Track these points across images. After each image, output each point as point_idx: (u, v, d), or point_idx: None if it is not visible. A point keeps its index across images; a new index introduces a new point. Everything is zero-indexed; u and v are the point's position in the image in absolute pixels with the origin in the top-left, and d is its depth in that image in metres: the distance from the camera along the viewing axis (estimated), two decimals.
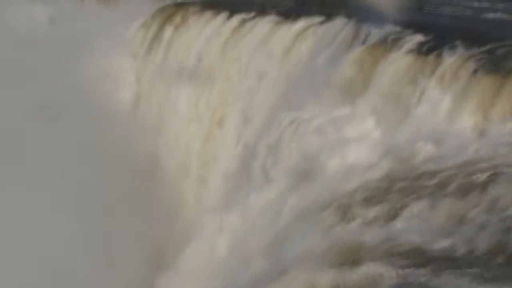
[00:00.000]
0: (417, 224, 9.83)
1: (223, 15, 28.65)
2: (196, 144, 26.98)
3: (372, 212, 10.83)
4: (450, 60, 14.01)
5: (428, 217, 9.86)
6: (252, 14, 26.77)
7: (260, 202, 16.04)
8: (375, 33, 18.08)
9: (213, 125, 26.30)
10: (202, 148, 26.68)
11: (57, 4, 52.24)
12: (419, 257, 8.72)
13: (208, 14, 29.86)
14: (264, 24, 24.99)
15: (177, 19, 31.89)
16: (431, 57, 14.60)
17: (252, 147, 20.29)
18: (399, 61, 15.43)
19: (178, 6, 34.03)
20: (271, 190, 16.21)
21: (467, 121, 12.50)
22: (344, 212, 11.49)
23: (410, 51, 15.60)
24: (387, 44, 16.57)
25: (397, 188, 11.30)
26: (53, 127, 26.45)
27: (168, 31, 31.67)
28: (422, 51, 15.28)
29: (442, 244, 8.92)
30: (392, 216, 10.33)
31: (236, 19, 27.44)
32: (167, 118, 29.19)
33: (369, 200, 11.36)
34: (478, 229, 8.91)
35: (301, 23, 23.04)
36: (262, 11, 26.54)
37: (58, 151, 25.31)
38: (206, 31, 28.66)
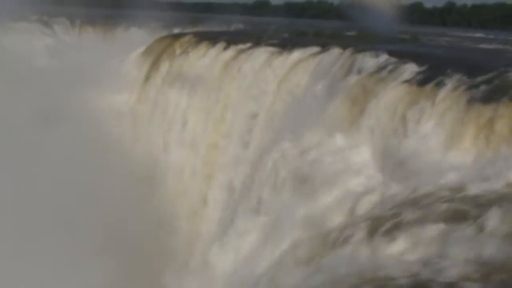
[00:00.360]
0: None
1: (219, 46, 28.90)
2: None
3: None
4: (445, 90, 14.05)
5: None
6: (248, 44, 27.05)
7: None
8: (370, 63, 18.20)
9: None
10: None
11: (55, 35, 52.82)
12: None
13: (204, 45, 30.10)
14: (260, 54, 25.18)
15: (174, 49, 32.16)
16: (426, 87, 14.64)
17: (247, 178, 20.29)
18: (394, 91, 15.46)
19: (175, 37, 34.37)
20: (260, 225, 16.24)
21: (462, 151, 12.48)
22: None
23: (405, 81, 15.66)
24: (382, 74, 16.65)
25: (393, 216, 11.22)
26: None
27: (165, 62, 31.88)
28: (417, 81, 15.35)
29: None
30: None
31: (232, 49, 27.69)
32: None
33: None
34: None
35: (296, 54, 23.24)
36: (258, 42, 26.84)
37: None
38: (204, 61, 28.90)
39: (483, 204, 10.17)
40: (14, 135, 27.43)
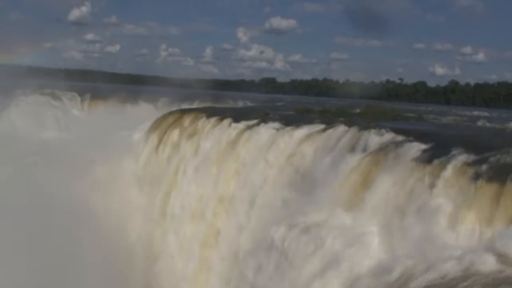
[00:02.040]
0: None
1: (226, 122, 29.25)
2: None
3: None
4: (450, 168, 14.11)
5: None
6: (255, 121, 27.39)
7: None
8: (375, 140, 18.36)
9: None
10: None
11: (64, 108, 53.79)
12: None
13: (211, 120, 30.47)
14: (266, 131, 25.44)
15: (181, 124, 32.56)
16: (432, 165, 14.71)
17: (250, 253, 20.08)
18: (399, 169, 15.53)
19: (183, 112, 34.89)
20: None
21: (468, 228, 12.39)
22: None
23: (411, 159, 15.75)
24: (387, 152, 16.76)
25: None
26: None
27: (172, 137, 32.25)
28: (422, 159, 15.43)
29: None
30: None
31: (239, 125, 27.99)
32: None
33: None
34: None
35: (302, 131, 23.47)
36: (264, 119, 27.20)
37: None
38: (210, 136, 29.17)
39: (491, 283, 9.99)
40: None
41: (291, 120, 25.90)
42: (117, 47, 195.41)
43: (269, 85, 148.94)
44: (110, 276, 25.06)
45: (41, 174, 30.78)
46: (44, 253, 23.73)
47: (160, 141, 33.12)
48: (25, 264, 23.20)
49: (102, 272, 24.48)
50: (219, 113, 31.22)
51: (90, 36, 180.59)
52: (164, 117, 35.57)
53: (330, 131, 21.91)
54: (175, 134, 32.37)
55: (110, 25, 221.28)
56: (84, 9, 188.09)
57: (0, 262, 22.77)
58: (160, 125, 34.49)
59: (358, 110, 33.11)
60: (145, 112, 48.17)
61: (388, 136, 18.29)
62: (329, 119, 24.56)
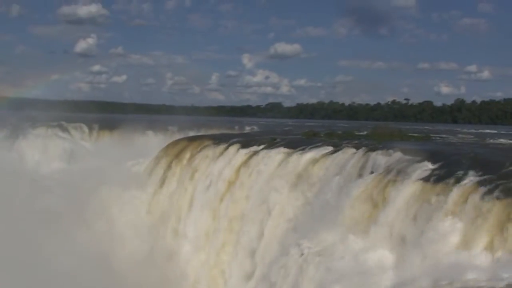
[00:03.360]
0: None
1: (234, 148, 29.29)
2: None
3: None
4: (459, 187, 14.06)
5: None
6: (262, 146, 27.43)
7: None
8: (383, 162, 18.33)
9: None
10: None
11: (73, 140, 54.03)
12: None
13: (218, 147, 30.51)
14: (274, 156, 25.45)
15: (189, 152, 32.62)
16: (440, 184, 14.66)
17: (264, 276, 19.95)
18: (408, 189, 15.48)
19: (190, 140, 35.01)
20: None
21: (479, 249, 12.27)
22: None
23: (419, 179, 15.71)
24: (396, 173, 16.72)
25: None
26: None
27: (180, 164, 32.27)
28: (431, 179, 15.38)
29: None
30: None
31: (246, 151, 28.03)
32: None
33: None
34: None
35: (310, 154, 23.47)
36: (272, 144, 27.24)
37: None
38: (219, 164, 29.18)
39: None
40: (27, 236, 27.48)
41: (299, 144, 25.91)
42: (124, 77, 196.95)
43: (275, 109, 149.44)
44: None
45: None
46: None
47: (167, 169, 33.15)
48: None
49: None
50: (226, 140, 31.28)
51: (96, 67, 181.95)
52: (171, 145, 35.67)
53: (338, 153, 21.90)
54: (182, 161, 32.40)
55: (116, 56, 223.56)
56: (90, 40, 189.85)
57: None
58: (168, 153, 34.55)
59: (365, 132, 33.11)
60: (152, 141, 48.33)
61: (396, 156, 18.26)
62: (336, 142, 24.56)
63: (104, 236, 29.70)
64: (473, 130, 54.03)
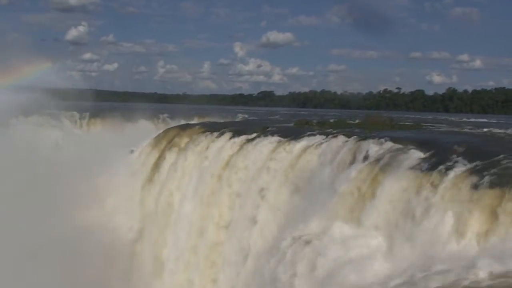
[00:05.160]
0: None
1: (225, 136, 29.30)
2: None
3: None
4: (450, 175, 14.13)
5: None
6: (254, 135, 27.43)
7: None
8: (375, 150, 18.39)
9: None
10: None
11: (64, 128, 53.83)
12: None
13: (210, 135, 30.51)
14: (266, 144, 25.47)
15: (181, 140, 32.61)
16: (432, 173, 14.74)
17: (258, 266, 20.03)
18: (400, 178, 15.54)
19: (182, 128, 34.97)
20: None
21: (470, 237, 12.37)
22: None
23: (410, 167, 15.78)
24: (387, 161, 16.79)
25: None
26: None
27: (172, 152, 32.26)
28: (422, 167, 15.46)
29: None
30: None
31: (238, 139, 28.03)
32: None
33: None
34: None
35: (302, 143, 23.52)
36: (264, 132, 27.25)
37: None
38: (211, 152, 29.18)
39: None
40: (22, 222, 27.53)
41: (291, 132, 25.96)
42: (115, 65, 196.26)
43: (267, 98, 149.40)
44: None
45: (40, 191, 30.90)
46: None
47: (160, 157, 33.14)
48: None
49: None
50: (218, 128, 31.28)
51: (87, 55, 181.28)
52: (163, 133, 35.64)
53: (329, 142, 21.95)
54: (174, 150, 32.39)
55: (108, 44, 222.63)
56: (81, 28, 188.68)
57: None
58: (160, 142, 34.54)
59: (357, 121, 33.17)
60: (144, 129, 48.26)
61: (388, 145, 18.32)
62: (328, 130, 24.60)
63: (96, 221, 29.77)
64: (464, 119, 54.25)
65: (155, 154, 33.68)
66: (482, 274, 10.77)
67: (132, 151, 35.88)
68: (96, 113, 56.76)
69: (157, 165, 32.69)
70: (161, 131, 37.16)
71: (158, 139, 35.11)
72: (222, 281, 24.54)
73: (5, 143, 44.54)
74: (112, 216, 30.89)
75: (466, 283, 10.78)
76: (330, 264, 15.19)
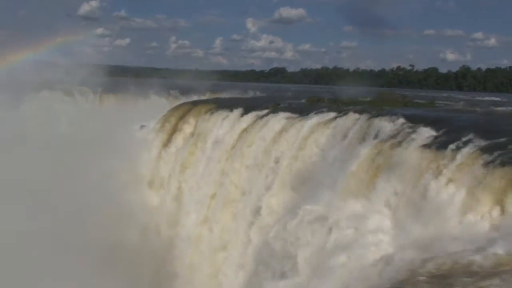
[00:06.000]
0: None
1: (237, 112, 29.30)
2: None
3: None
4: (462, 153, 14.08)
5: None
6: (265, 111, 27.41)
7: None
8: (386, 128, 18.33)
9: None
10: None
11: (76, 102, 54.10)
12: None
13: (222, 111, 30.55)
14: (277, 121, 25.45)
15: (193, 116, 32.69)
16: (443, 151, 14.68)
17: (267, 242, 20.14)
18: (411, 155, 15.51)
19: (193, 104, 35.02)
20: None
21: (480, 216, 12.35)
22: None
23: (422, 145, 15.73)
24: (399, 139, 16.74)
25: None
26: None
27: (184, 128, 32.37)
28: (434, 145, 15.41)
29: None
30: None
31: (249, 116, 28.03)
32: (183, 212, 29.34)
33: None
34: None
35: (314, 119, 23.47)
36: (275, 109, 27.22)
37: None
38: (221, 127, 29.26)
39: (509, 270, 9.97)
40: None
41: (302, 109, 25.90)
42: (127, 40, 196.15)
43: (279, 75, 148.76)
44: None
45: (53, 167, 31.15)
46: None
47: (171, 133, 33.27)
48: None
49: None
50: (230, 104, 31.29)
51: (99, 31, 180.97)
52: (175, 109, 35.71)
53: (341, 119, 21.88)
54: (186, 126, 32.50)
55: (120, 19, 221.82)
56: (93, 3, 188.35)
57: None
58: (171, 117, 34.62)
59: (369, 98, 33.00)
60: (156, 104, 48.36)
61: (400, 122, 18.24)
62: (340, 107, 24.53)
63: (109, 195, 30.04)
64: (478, 98, 53.77)
65: (166, 130, 33.80)
66: (492, 252, 10.79)
67: (143, 127, 36.03)
68: (108, 89, 56.86)
69: (168, 141, 32.84)
70: (172, 106, 37.23)
71: (169, 115, 35.20)
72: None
73: (17, 118, 44.92)
74: (123, 191, 31.08)
75: (476, 261, 10.81)
76: (339, 240, 15.25)
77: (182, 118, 33.30)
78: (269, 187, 23.47)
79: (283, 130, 24.49)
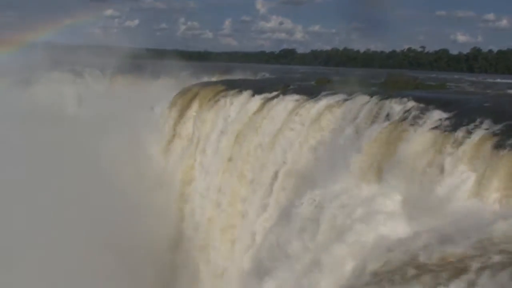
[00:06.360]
0: None
1: (246, 94, 29.28)
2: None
3: None
4: (473, 136, 14.03)
5: None
6: (275, 93, 27.35)
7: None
8: (397, 110, 18.25)
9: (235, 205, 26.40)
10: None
11: (86, 84, 54.22)
12: None
13: (231, 93, 30.53)
14: (287, 103, 25.40)
15: (202, 98, 32.70)
16: (454, 133, 14.62)
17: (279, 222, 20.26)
18: (421, 138, 15.46)
19: (203, 86, 35.00)
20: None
21: (491, 197, 12.34)
22: None
23: (433, 127, 15.66)
24: (410, 121, 16.68)
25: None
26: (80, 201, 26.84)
27: (193, 110, 32.42)
28: (444, 127, 15.34)
29: None
30: None
31: (259, 98, 28.00)
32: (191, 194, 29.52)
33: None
34: None
35: (324, 101, 23.40)
36: (285, 91, 27.14)
37: None
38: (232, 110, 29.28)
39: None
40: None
41: (312, 91, 25.81)
42: (136, 22, 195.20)
43: (289, 56, 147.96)
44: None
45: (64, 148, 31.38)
46: None
47: (181, 114, 33.33)
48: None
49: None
50: (239, 86, 31.24)
51: (109, 12, 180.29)
52: (184, 90, 35.71)
53: (351, 101, 21.80)
54: (195, 107, 32.54)
55: (129, 1, 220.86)
56: None
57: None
58: (181, 99, 34.66)
59: (379, 80, 32.80)
60: (166, 86, 48.33)
61: (410, 105, 18.15)
62: (350, 89, 24.40)
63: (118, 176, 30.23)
64: (489, 80, 53.30)
65: (176, 111, 33.86)
66: (502, 235, 10.82)
67: (153, 108, 36.09)
68: (117, 70, 56.86)
69: (178, 122, 32.92)
70: (182, 88, 37.20)
71: (179, 97, 35.22)
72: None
73: (28, 99, 45.16)
74: (136, 170, 31.30)
75: (485, 243, 10.83)
76: (350, 222, 15.29)
77: (191, 100, 33.33)
78: (278, 172, 23.52)
79: (292, 113, 24.43)
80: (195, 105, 32.65)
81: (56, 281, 22.43)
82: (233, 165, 27.12)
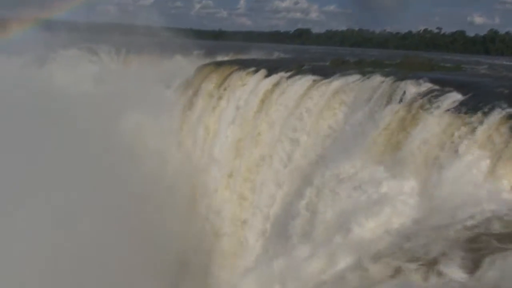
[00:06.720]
0: None
1: (261, 74, 29.26)
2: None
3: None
4: (489, 118, 13.96)
5: None
6: (289, 73, 27.30)
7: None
8: (412, 91, 18.17)
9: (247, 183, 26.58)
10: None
11: (101, 63, 54.38)
12: None
13: (246, 72, 30.52)
14: (302, 83, 25.36)
15: (217, 77, 32.73)
16: (469, 116, 14.57)
17: (289, 204, 20.37)
18: (436, 120, 15.40)
19: (217, 65, 35.00)
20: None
21: (506, 181, 12.32)
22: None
23: (448, 110, 15.60)
24: (425, 103, 16.61)
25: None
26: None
27: (207, 89, 32.47)
28: (460, 110, 15.27)
29: None
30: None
31: (273, 77, 27.97)
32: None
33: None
34: None
35: (337, 82, 23.33)
36: (299, 71, 27.09)
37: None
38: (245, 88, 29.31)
39: None
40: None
41: (327, 71, 25.73)
42: (151, 0, 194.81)
43: (304, 36, 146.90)
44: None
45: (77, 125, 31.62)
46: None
47: (195, 93, 33.40)
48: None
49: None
50: (254, 65, 31.20)
51: None
52: (199, 69, 35.75)
53: (366, 82, 21.71)
54: (210, 86, 32.57)
55: None
56: None
57: None
58: (196, 78, 34.72)
59: (395, 61, 32.60)
60: (180, 64, 48.40)
61: (426, 86, 18.06)
62: (365, 70, 24.29)
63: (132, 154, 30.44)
64: (505, 62, 52.69)
65: (191, 89, 33.95)
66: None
67: (168, 86, 36.21)
68: (132, 48, 56.94)
69: (192, 101, 33.02)
70: (196, 66, 37.25)
71: (193, 75, 35.29)
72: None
73: (44, 77, 45.44)
74: (152, 149, 31.53)
75: (499, 227, 10.86)
76: (361, 204, 15.33)
77: (205, 79, 33.38)
78: (291, 153, 23.59)
79: (306, 93, 24.40)
80: (209, 85, 32.67)
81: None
82: (247, 146, 27.25)
